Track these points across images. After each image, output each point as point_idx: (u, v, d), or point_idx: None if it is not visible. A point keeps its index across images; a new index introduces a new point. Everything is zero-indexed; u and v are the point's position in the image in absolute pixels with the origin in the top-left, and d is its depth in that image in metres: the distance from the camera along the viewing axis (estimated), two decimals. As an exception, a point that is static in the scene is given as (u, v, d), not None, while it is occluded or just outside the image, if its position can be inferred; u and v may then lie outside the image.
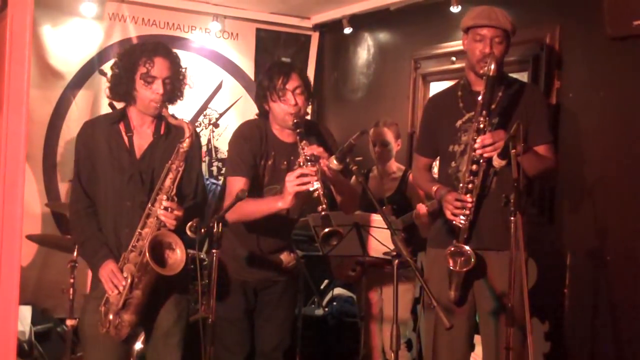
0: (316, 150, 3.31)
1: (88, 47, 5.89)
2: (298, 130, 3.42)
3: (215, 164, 6.57)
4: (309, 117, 3.84)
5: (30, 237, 4.71)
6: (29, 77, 3.67)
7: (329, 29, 6.72)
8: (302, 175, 3.22)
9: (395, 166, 4.84)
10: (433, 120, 3.83)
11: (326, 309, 5.13)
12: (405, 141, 5.30)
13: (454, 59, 5.15)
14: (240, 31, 6.57)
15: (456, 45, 4.83)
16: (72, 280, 4.46)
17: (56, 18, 5.76)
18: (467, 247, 3.44)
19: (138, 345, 4.07)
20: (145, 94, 3.28)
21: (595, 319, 4.04)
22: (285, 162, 3.63)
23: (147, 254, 3.15)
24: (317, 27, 6.74)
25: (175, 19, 6.26)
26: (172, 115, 3.32)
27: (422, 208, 4.34)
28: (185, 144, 3.26)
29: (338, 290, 5.33)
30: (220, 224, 3.07)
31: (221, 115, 6.57)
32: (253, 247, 3.72)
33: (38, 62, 5.62)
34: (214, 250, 3.08)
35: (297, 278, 4.03)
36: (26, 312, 5.23)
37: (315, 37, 6.82)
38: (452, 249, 3.48)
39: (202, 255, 4.94)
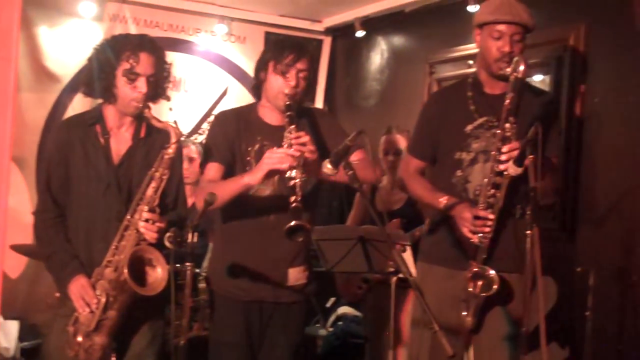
0: (302, 138, 3.01)
1: (86, 50, 5.58)
2: (288, 113, 3.12)
3: (220, 172, 6.26)
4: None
5: (14, 248, 4.37)
6: (16, 75, 3.43)
7: (341, 33, 6.44)
8: (284, 156, 2.95)
9: (406, 177, 4.54)
10: (436, 121, 3.44)
11: (330, 329, 4.79)
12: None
13: (470, 62, 4.83)
14: (248, 34, 6.27)
15: (473, 48, 4.52)
16: (57, 295, 4.16)
17: (53, 18, 5.53)
18: (492, 271, 3.07)
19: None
20: (127, 92, 3.00)
21: (620, 345, 3.76)
22: (275, 148, 3.20)
23: (125, 271, 2.84)
24: (329, 31, 6.45)
25: (179, 21, 5.94)
26: (155, 118, 3.02)
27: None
28: (171, 150, 2.95)
29: (344, 309, 4.99)
30: (196, 234, 2.77)
31: (227, 122, 6.25)
32: (256, 257, 3.31)
33: (33, 65, 5.40)
34: (187, 264, 2.78)
35: (308, 299, 3.56)
36: (12, 327, 4.97)
37: (327, 42, 6.52)
38: (475, 270, 3.10)
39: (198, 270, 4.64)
